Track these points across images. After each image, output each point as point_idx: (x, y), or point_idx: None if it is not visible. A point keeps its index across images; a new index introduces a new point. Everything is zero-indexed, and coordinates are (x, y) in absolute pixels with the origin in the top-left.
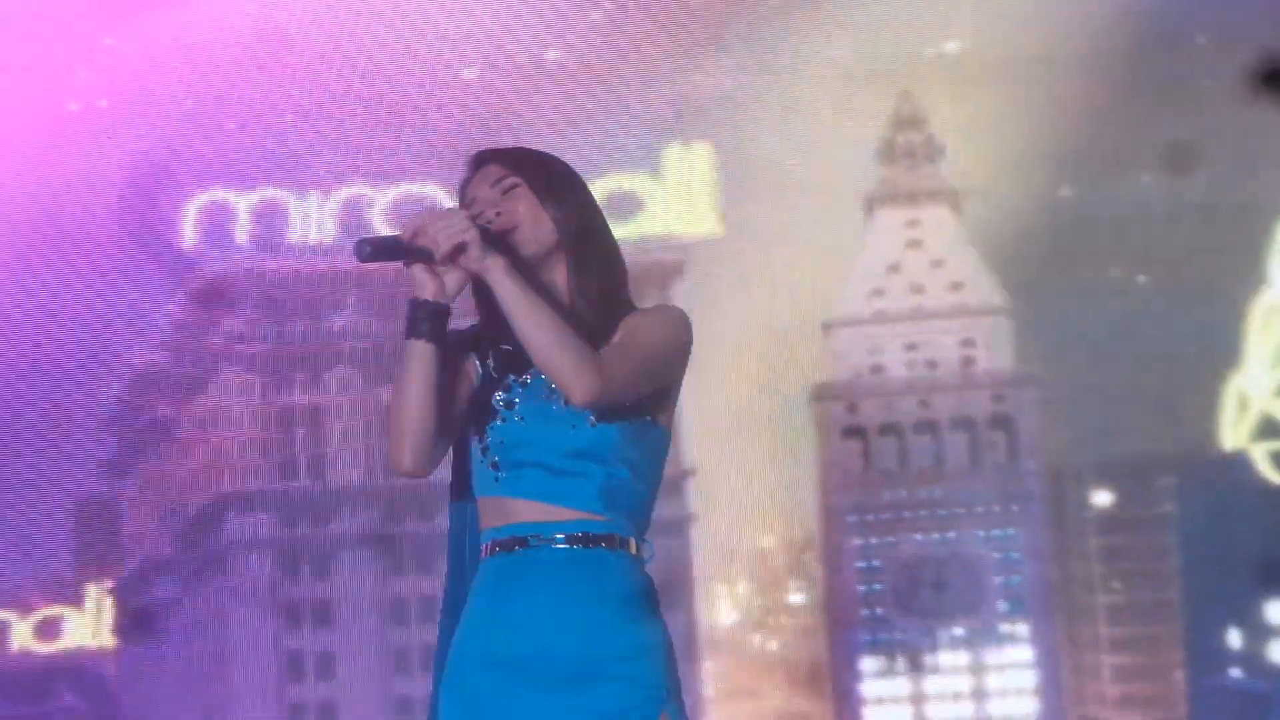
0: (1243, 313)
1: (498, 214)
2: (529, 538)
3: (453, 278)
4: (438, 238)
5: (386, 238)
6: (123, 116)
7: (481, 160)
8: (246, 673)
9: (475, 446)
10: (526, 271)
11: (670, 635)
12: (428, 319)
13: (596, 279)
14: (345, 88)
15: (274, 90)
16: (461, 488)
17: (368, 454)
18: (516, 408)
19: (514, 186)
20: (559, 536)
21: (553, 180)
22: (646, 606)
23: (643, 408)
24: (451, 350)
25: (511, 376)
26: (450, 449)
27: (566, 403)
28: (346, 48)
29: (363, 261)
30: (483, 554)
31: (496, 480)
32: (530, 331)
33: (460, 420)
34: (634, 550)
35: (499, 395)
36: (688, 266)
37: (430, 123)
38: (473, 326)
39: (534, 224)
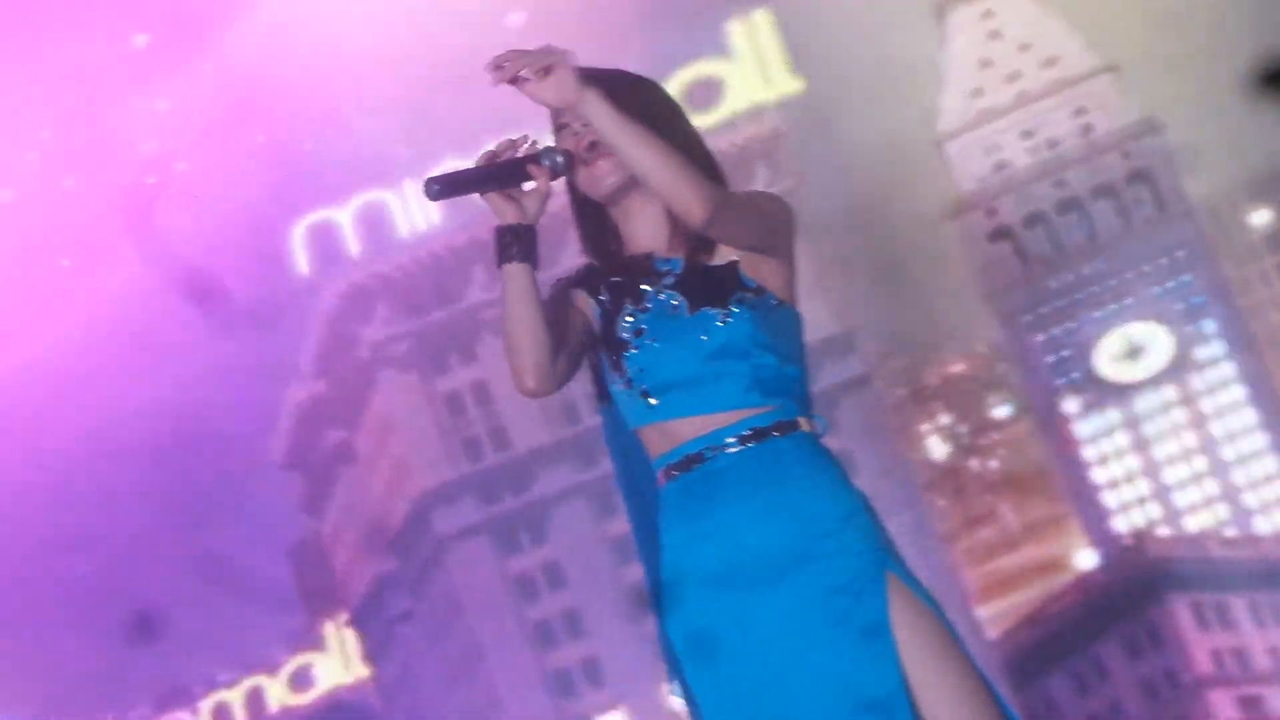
0: None
1: (584, 126)
2: (702, 451)
3: (531, 199)
4: (520, 64)
5: (454, 173)
6: (201, 174)
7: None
8: (501, 656)
9: (618, 382)
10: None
11: (865, 497)
12: (515, 241)
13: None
14: (403, 73)
15: (337, 99)
16: (604, 394)
17: (544, 410)
18: (645, 333)
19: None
20: (729, 440)
21: (643, 107)
22: (834, 477)
23: (764, 290)
24: (562, 289)
25: (629, 304)
26: (576, 370)
27: (692, 310)
28: (394, 35)
29: (433, 199)
30: (659, 481)
31: (651, 407)
32: (640, 152)
33: (586, 348)
34: (806, 428)
35: (624, 325)
36: (781, 129)
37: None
38: (580, 267)
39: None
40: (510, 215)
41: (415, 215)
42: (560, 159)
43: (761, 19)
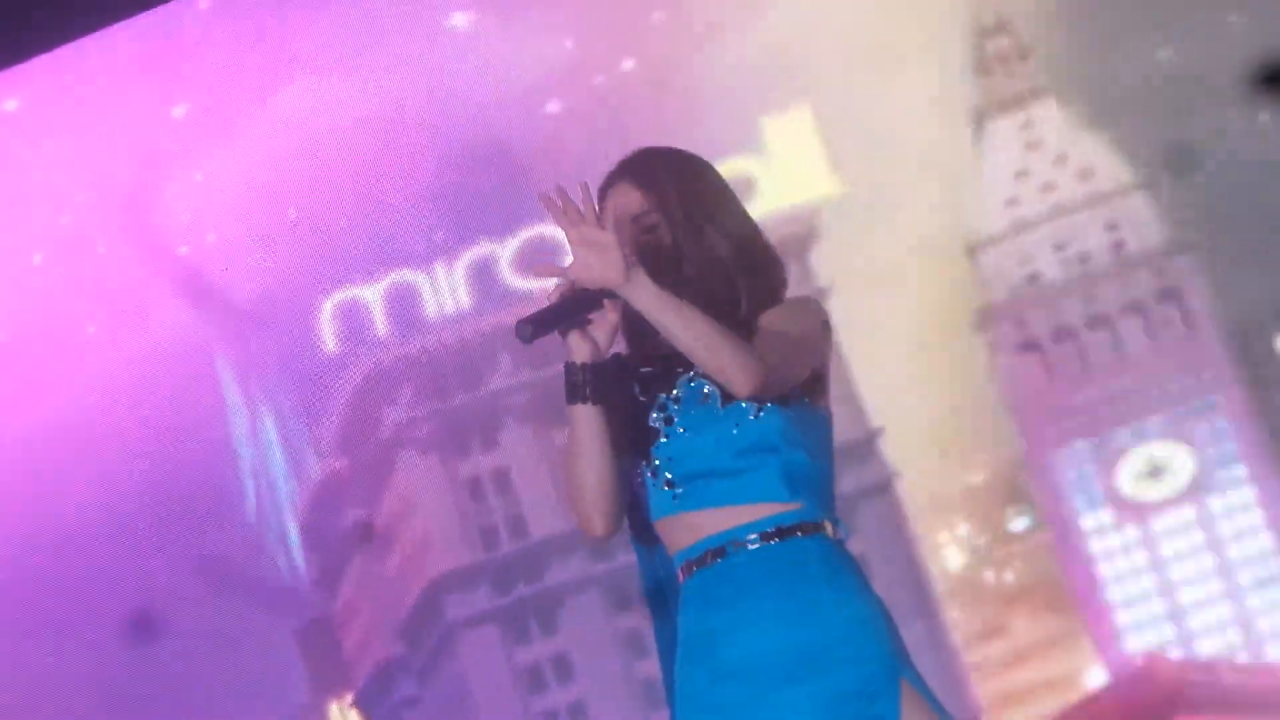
0: None
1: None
2: (724, 546)
3: (604, 334)
4: (595, 271)
5: (541, 312)
6: (233, 247)
7: (620, 175)
8: None
9: (644, 472)
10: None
11: (883, 604)
12: (589, 382)
13: (744, 297)
14: (442, 155)
15: (372, 175)
16: (642, 530)
17: (560, 500)
18: (676, 422)
19: (653, 226)
20: (752, 537)
21: (693, 208)
22: (854, 582)
23: (797, 393)
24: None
25: (661, 395)
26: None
27: (724, 403)
28: (437, 119)
29: (526, 342)
30: (680, 578)
31: (675, 498)
32: (683, 332)
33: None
34: (829, 532)
35: (655, 415)
36: (817, 229)
37: (526, 164)
38: (612, 359)
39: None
40: (585, 354)
41: (445, 298)
42: (525, 333)
43: (799, 117)
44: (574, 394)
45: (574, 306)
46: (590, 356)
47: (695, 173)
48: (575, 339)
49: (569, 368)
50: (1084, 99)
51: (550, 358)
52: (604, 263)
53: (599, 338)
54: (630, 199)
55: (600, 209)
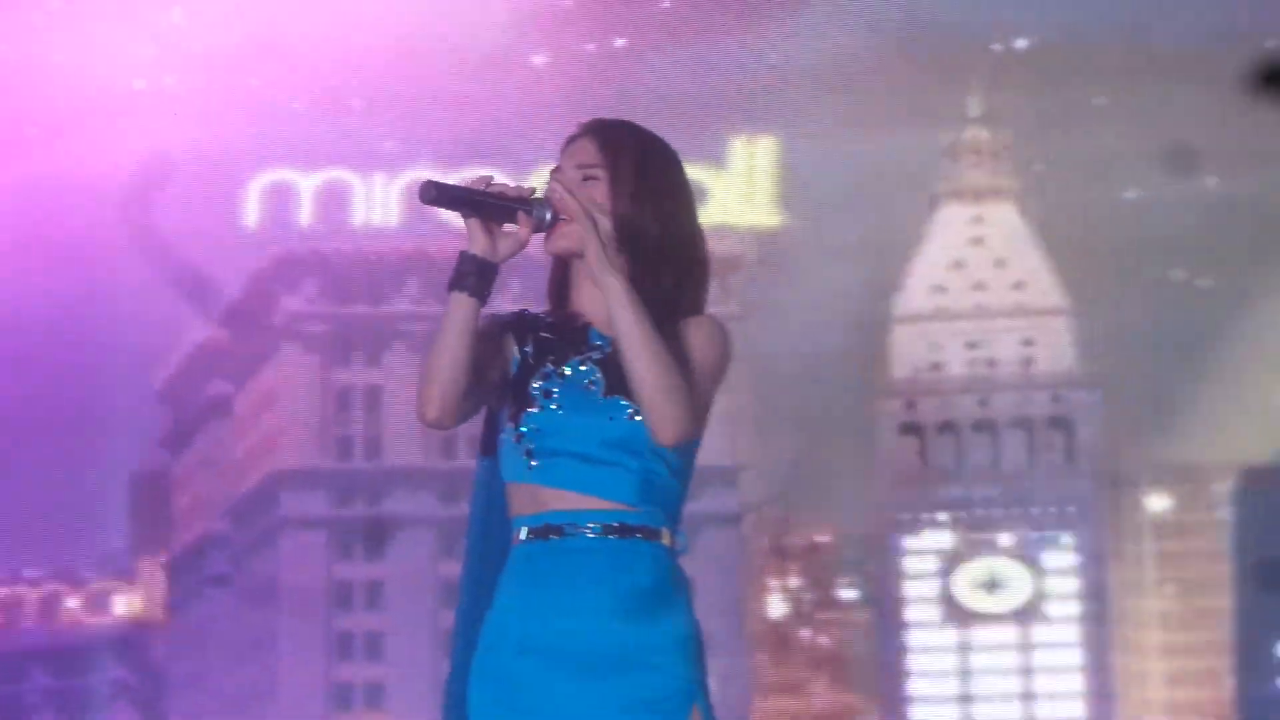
0: None
1: (561, 196)
2: (563, 525)
3: (507, 241)
4: (552, 197)
5: (455, 185)
6: (189, 95)
7: (589, 129)
8: (294, 651)
9: (509, 432)
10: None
11: (700, 629)
12: (474, 273)
13: (659, 287)
14: (413, 73)
15: (343, 74)
16: (489, 446)
17: (424, 436)
18: (555, 396)
19: (592, 178)
20: (593, 526)
21: (641, 182)
22: (679, 598)
23: None
24: (493, 327)
25: (550, 365)
26: (478, 411)
27: (606, 394)
28: (418, 36)
29: (425, 202)
30: (514, 540)
31: (530, 468)
32: (641, 363)
33: (492, 392)
34: (668, 541)
35: (537, 383)
36: (748, 258)
37: (497, 110)
38: (516, 312)
39: (594, 213)
40: (481, 247)
41: (375, 208)
42: (548, 215)
43: (766, 145)
44: (458, 281)
45: (491, 201)
46: (483, 252)
47: (660, 158)
48: (475, 227)
49: (462, 255)
50: (1040, 215)
51: None
52: (586, 244)
53: (499, 242)
54: (587, 151)
55: (561, 153)
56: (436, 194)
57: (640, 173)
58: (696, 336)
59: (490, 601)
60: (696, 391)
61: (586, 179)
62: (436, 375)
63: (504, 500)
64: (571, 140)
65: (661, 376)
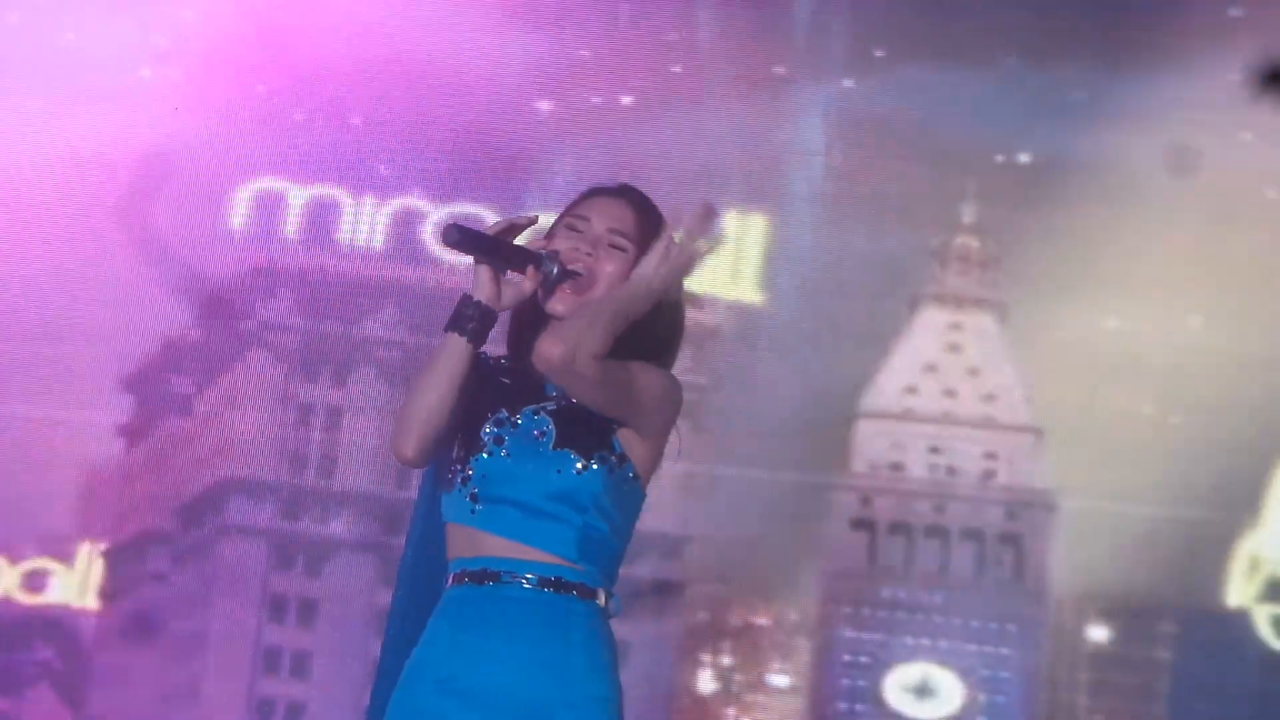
0: (1272, 472)
1: (589, 255)
2: (500, 573)
3: (510, 290)
4: (575, 260)
5: (478, 232)
6: (193, 91)
7: (628, 195)
8: (221, 658)
9: (456, 474)
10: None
11: (622, 694)
12: (476, 319)
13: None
14: (419, 100)
15: (349, 91)
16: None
17: (379, 462)
18: (505, 444)
19: (619, 248)
20: (530, 576)
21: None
22: (606, 659)
23: (629, 463)
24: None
25: (504, 412)
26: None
27: (555, 446)
28: (429, 65)
29: (447, 245)
30: (449, 581)
31: (473, 512)
32: (593, 305)
33: (456, 428)
34: (601, 602)
35: (489, 429)
36: (725, 330)
37: (495, 148)
38: (491, 357)
39: (607, 289)
40: (486, 293)
41: (361, 229)
42: (554, 272)
43: (757, 223)
44: (458, 323)
45: (507, 251)
46: (487, 299)
47: (675, 248)
48: (484, 274)
49: (465, 298)
50: (1019, 330)
51: (432, 329)
52: (672, 269)
53: (504, 291)
54: (624, 219)
55: (585, 201)
56: (459, 237)
57: (644, 251)
58: (647, 369)
59: (415, 637)
60: (628, 388)
61: (613, 245)
62: (419, 414)
63: (441, 537)
64: (600, 194)
65: (591, 312)
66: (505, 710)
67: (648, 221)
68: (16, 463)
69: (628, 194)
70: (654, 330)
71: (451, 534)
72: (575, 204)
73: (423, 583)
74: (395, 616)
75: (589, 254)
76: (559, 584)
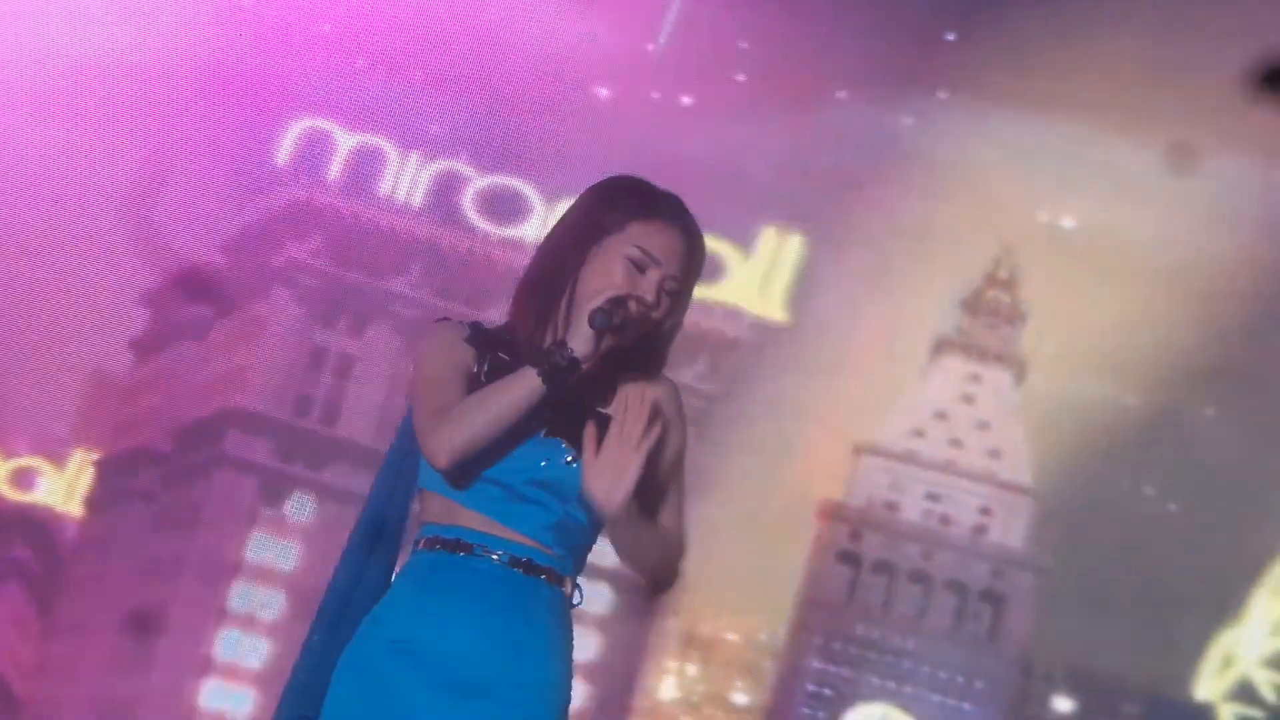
0: (1261, 572)
1: (655, 305)
2: (474, 545)
3: (602, 348)
4: (645, 316)
5: (625, 320)
6: (262, 18)
7: (688, 229)
8: (195, 586)
9: None
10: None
11: (571, 683)
12: (567, 374)
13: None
14: (481, 65)
15: (414, 47)
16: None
17: (380, 417)
18: None
19: (681, 293)
20: (501, 554)
21: (689, 295)
22: (562, 645)
23: None
24: (461, 343)
25: (541, 433)
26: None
27: (547, 434)
28: (498, 35)
29: (593, 326)
30: (418, 544)
31: (454, 484)
32: (634, 544)
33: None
34: (567, 590)
35: None
36: (745, 344)
37: (546, 126)
38: (469, 323)
39: (657, 326)
40: (582, 351)
41: (402, 184)
42: (601, 320)
43: (794, 243)
44: (551, 374)
45: (631, 326)
46: (583, 355)
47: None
48: (590, 339)
49: (569, 354)
50: (1037, 391)
51: (456, 294)
52: (616, 485)
53: (600, 350)
54: (682, 262)
55: (654, 233)
56: (606, 323)
57: (693, 286)
58: (676, 427)
59: (365, 595)
60: (681, 490)
61: (668, 291)
62: (472, 435)
63: (406, 499)
64: (669, 229)
65: (653, 549)
66: (453, 679)
67: (695, 263)
68: (24, 359)
69: (688, 230)
70: (660, 346)
71: (428, 498)
72: (644, 231)
73: (382, 543)
74: (344, 574)
75: (656, 302)
76: (529, 566)
